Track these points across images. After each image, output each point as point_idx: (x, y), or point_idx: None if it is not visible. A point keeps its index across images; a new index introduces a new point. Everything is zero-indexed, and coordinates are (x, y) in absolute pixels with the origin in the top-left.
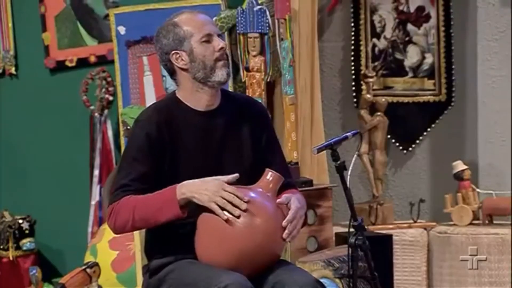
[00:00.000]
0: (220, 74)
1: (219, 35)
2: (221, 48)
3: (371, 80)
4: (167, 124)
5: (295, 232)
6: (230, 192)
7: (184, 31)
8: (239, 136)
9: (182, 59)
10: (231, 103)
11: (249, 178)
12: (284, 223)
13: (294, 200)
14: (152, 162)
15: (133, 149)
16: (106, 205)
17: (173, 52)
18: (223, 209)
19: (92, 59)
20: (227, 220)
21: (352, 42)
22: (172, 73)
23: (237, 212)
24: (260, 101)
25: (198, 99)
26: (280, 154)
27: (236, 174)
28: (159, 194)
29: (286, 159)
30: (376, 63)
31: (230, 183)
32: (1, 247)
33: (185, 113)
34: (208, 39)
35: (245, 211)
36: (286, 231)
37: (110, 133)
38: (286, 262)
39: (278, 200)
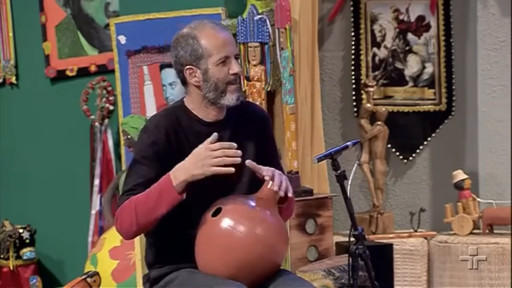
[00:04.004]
0: (230, 98)
1: (236, 56)
2: (235, 73)
3: (371, 89)
4: (175, 132)
5: (284, 183)
6: (218, 148)
7: (203, 49)
8: (243, 145)
9: (196, 76)
10: (235, 112)
11: (252, 186)
12: (266, 177)
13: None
14: (158, 169)
15: (140, 155)
16: (106, 214)
17: (187, 66)
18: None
19: (93, 68)
20: (227, 229)
21: (353, 51)
22: (184, 82)
23: (238, 159)
24: None
25: (206, 113)
26: (278, 161)
27: (215, 134)
28: (154, 186)
29: (283, 167)
30: (376, 73)
31: (213, 143)
32: (2, 256)
33: (192, 122)
34: (225, 61)
35: (247, 216)
36: (274, 182)
37: (110, 142)
38: (287, 272)
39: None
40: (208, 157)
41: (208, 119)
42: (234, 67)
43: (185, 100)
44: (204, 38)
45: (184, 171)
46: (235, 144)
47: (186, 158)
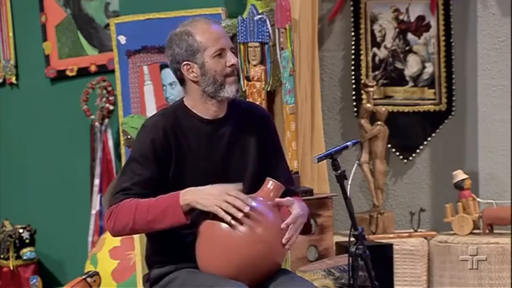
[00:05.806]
0: (229, 90)
1: (232, 49)
2: (232, 64)
3: (371, 89)
4: (173, 131)
5: (293, 238)
6: (233, 196)
7: (198, 43)
8: (244, 144)
9: (193, 71)
10: (237, 111)
11: (253, 185)
12: (283, 225)
13: (296, 206)
14: (155, 169)
15: (137, 154)
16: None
17: (184, 62)
18: (226, 213)
19: (93, 68)
20: (228, 229)
21: (353, 51)
22: (182, 81)
23: (240, 214)
24: None
25: (206, 109)
26: (284, 162)
27: (240, 184)
28: (162, 199)
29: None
30: (376, 73)
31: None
32: (2, 256)
33: (192, 120)
34: (221, 53)
35: (247, 216)
36: (286, 235)
37: (110, 142)
38: (287, 271)
39: (278, 200)
40: (219, 197)
41: (208, 116)
42: (231, 59)
43: (184, 99)
44: (198, 33)
45: (193, 195)
46: (250, 200)
47: (203, 187)
